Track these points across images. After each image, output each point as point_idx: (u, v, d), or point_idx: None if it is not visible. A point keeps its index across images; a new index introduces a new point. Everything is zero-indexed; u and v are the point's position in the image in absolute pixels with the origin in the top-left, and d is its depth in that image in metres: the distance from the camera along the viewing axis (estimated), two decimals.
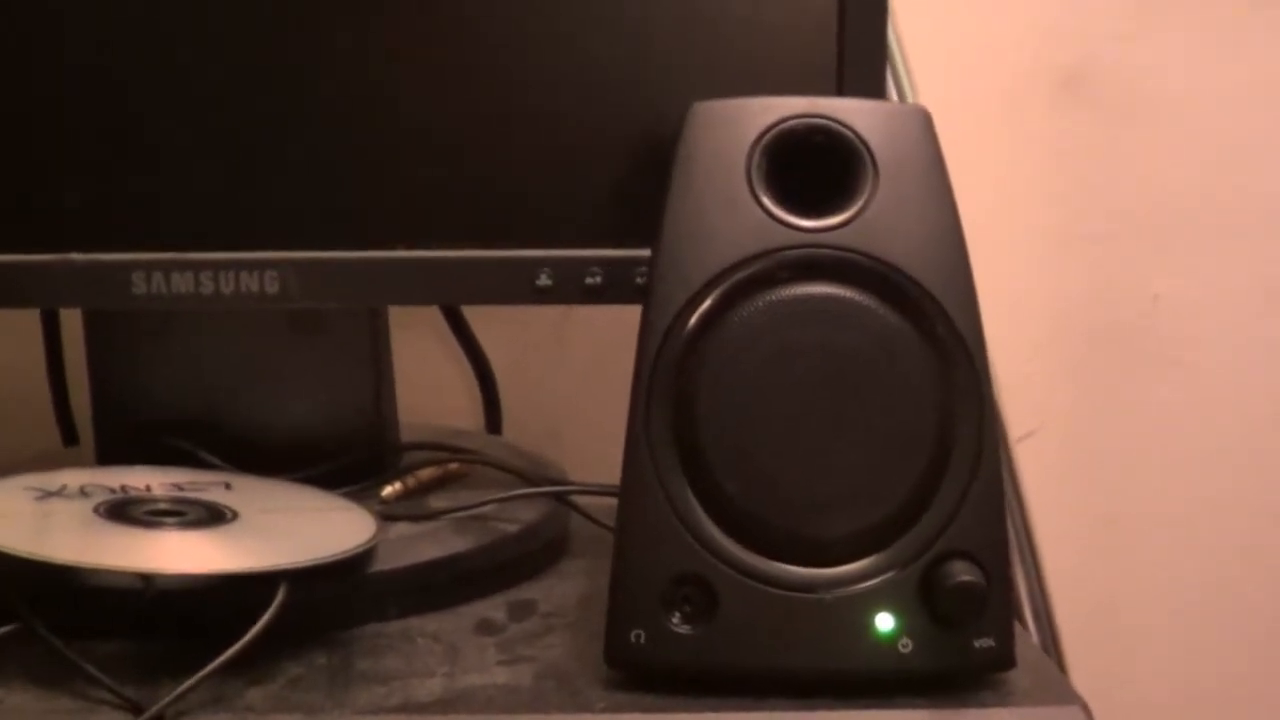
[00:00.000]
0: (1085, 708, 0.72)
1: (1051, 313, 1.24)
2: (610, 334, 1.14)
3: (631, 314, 0.85)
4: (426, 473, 0.93)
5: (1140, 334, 1.25)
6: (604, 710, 0.71)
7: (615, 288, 0.85)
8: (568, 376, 1.18)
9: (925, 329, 0.72)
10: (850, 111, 0.74)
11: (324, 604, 0.79)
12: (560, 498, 0.92)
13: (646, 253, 0.81)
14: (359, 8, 0.85)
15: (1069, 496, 1.25)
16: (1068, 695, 0.73)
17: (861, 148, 0.73)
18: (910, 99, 1.09)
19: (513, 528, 0.88)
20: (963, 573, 0.71)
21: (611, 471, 0.91)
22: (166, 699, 0.70)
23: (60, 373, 1.06)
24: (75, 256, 0.86)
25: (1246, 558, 1.29)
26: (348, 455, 0.92)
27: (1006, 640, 0.72)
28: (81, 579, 0.74)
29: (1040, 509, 1.17)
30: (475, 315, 1.08)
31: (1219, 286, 1.24)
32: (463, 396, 1.13)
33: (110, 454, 0.94)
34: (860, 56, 0.85)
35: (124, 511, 0.80)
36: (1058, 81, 1.21)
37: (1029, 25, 1.20)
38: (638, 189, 0.85)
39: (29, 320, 1.05)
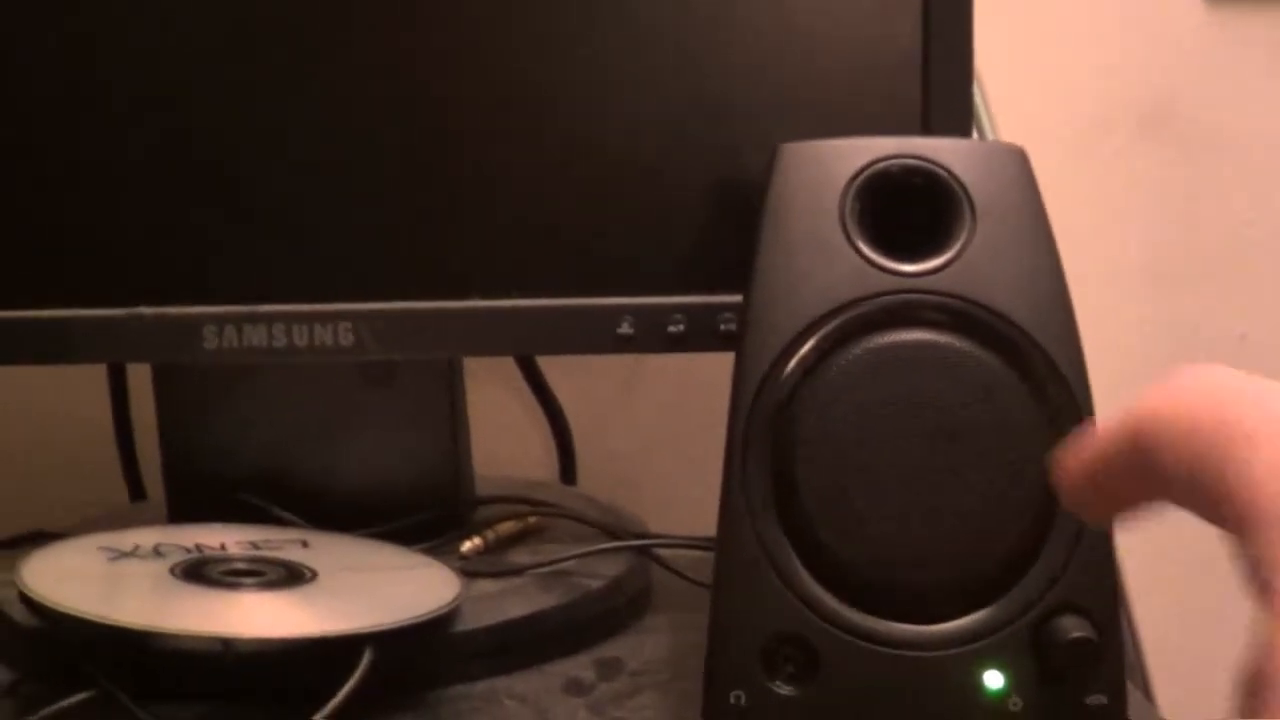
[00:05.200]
0: None
1: (1136, 353, 1.21)
2: (682, 382, 1.12)
3: (702, 362, 0.84)
4: (505, 527, 0.90)
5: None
6: None
7: (698, 335, 0.83)
8: (640, 426, 1.16)
9: (1028, 374, 0.70)
10: (945, 151, 0.72)
11: (409, 665, 0.76)
12: (644, 551, 0.89)
13: (730, 299, 0.79)
14: (434, 58, 0.83)
15: (1156, 541, 1.22)
16: None
17: (958, 188, 0.71)
18: (991, 136, 1.07)
19: (596, 583, 0.85)
20: (1075, 628, 0.68)
21: (687, 523, 0.89)
22: None
23: (127, 427, 1.04)
24: (145, 311, 0.84)
25: None
26: (425, 510, 0.90)
27: (1119, 697, 0.70)
28: (159, 643, 0.74)
29: (1128, 555, 1.14)
30: (545, 363, 1.07)
31: None
32: (534, 446, 1.11)
33: (181, 510, 0.92)
34: (946, 94, 0.82)
35: (200, 572, 0.78)
36: (1139, 118, 1.19)
37: (1110, 61, 1.19)
38: (721, 234, 0.83)
39: (94, 374, 1.04)
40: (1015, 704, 0.69)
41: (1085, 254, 1.17)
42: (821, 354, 0.69)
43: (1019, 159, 0.72)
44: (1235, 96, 1.21)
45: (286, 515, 0.88)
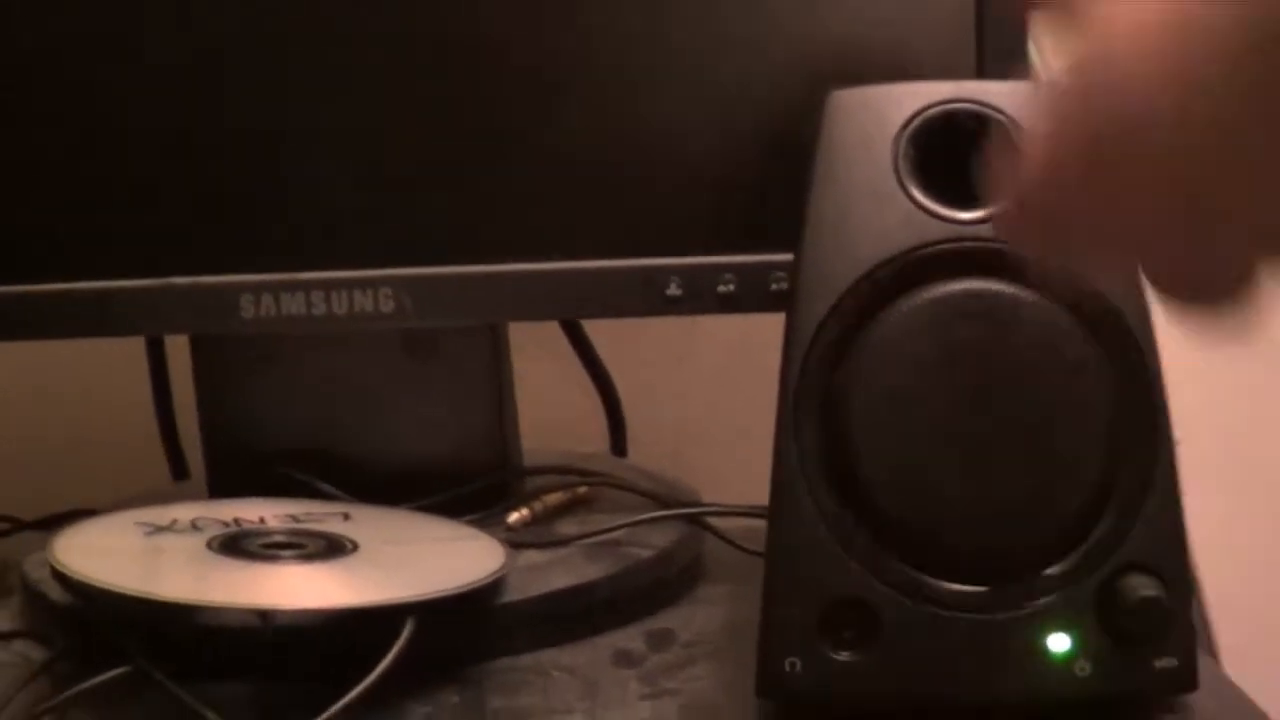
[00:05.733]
0: None
1: None
2: (735, 348, 1.09)
3: (756, 326, 0.81)
4: (554, 498, 0.88)
5: None
6: None
7: (750, 295, 0.81)
8: (691, 394, 1.14)
9: (1093, 325, 0.67)
10: (1000, 95, 0.69)
11: (453, 638, 0.74)
12: (696, 520, 0.87)
13: (781, 257, 0.76)
14: (473, 16, 0.82)
15: (1222, 505, 1.20)
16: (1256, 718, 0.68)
17: (1016, 133, 0.68)
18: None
19: (647, 553, 0.83)
20: (1143, 587, 0.66)
21: (740, 492, 0.87)
22: None
23: (168, 405, 1.02)
24: (177, 280, 0.83)
25: None
26: (470, 482, 0.88)
27: (1189, 660, 0.67)
28: (196, 617, 0.73)
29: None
30: (595, 333, 1.04)
31: None
32: (584, 417, 1.09)
33: (222, 486, 0.91)
34: (1001, 34, 0.80)
35: (238, 545, 0.77)
36: None
37: None
38: (771, 190, 0.80)
39: (135, 354, 1.02)
40: (1082, 668, 0.66)
41: None
42: (875, 307, 0.67)
43: None
44: None
45: (329, 489, 0.86)
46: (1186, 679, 0.67)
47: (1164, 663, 0.66)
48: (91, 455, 1.12)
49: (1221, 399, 1.19)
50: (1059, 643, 0.66)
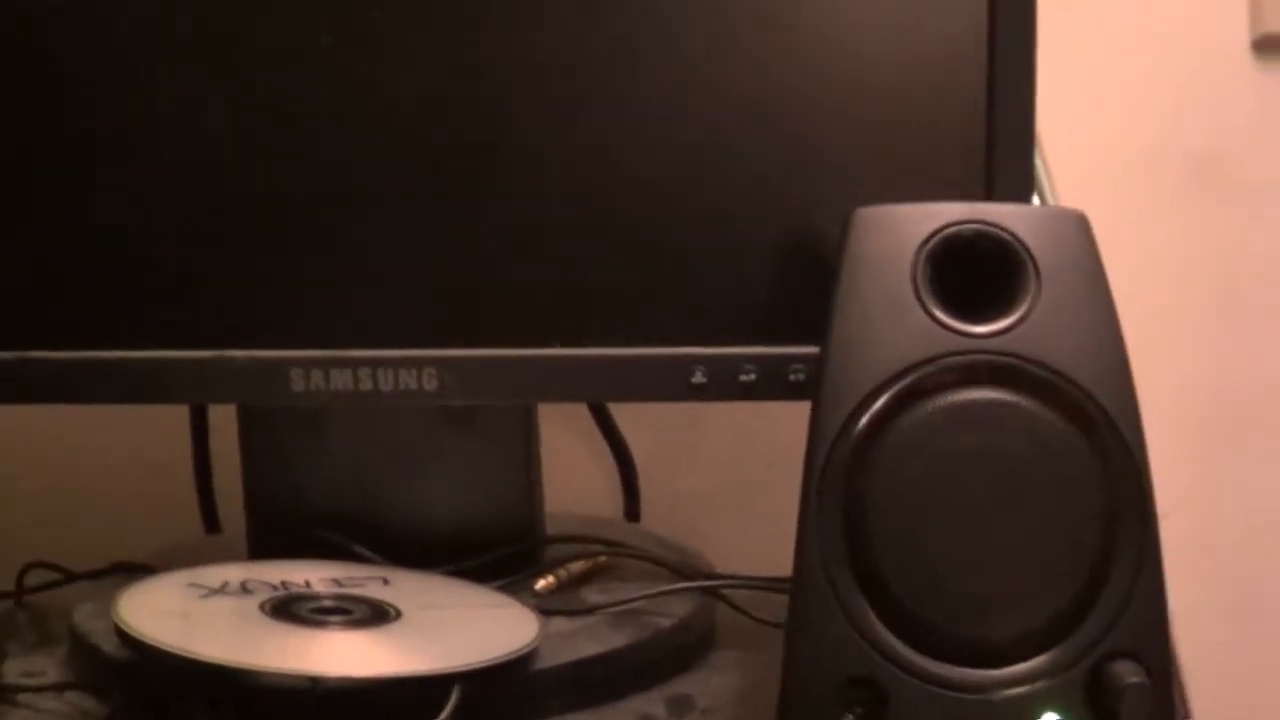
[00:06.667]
0: None
1: (1183, 398, 1.24)
2: (745, 425, 1.15)
3: (764, 405, 0.86)
4: (577, 565, 0.94)
5: (1269, 420, 1.25)
6: None
7: (769, 385, 0.86)
8: (704, 465, 1.19)
9: (1090, 433, 0.73)
10: (1011, 216, 0.75)
11: (491, 703, 0.79)
12: (711, 591, 0.92)
13: (799, 350, 0.82)
14: (522, 115, 0.87)
15: (1199, 583, 1.25)
16: None
17: (1023, 253, 0.74)
18: (1047, 186, 1.10)
19: (666, 621, 0.88)
20: (1129, 674, 0.72)
21: (749, 561, 0.92)
22: None
23: (206, 462, 1.07)
24: (235, 354, 0.87)
25: None
26: (498, 548, 0.93)
27: None
28: (249, 680, 0.77)
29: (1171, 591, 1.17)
30: (615, 405, 1.10)
31: None
32: (598, 482, 1.14)
33: (261, 545, 0.96)
34: (1009, 158, 0.85)
35: (289, 610, 0.82)
36: (1189, 170, 1.22)
37: (1160, 114, 1.21)
38: (790, 287, 0.86)
39: (171, 408, 1.07)
40: None
41: (1133, 300, 1.20)
42: (894, 410, 0.73)
43: (1081, 224, 0.75)
44: None
45: (365, 552, 0.91)
46: None
47: None
48: (125, 505, 1.16)
49: (1204, 479, 1.24)
50: None
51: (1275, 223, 1.23)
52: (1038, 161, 1.05)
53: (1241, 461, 1.26)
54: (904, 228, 0.75)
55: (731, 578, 0.93)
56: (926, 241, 0.74)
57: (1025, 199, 0.86)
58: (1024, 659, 0.73)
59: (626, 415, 1.11)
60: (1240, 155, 1.23)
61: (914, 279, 0.74)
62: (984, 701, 0.72)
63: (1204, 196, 1.23)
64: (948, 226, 0.75)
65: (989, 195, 0.86)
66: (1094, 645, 0.73)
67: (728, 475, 1.18)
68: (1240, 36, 1.23)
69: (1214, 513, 1.25)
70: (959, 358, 0.73)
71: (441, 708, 0.75)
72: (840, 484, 0.73)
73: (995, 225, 0.75)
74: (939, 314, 0.73)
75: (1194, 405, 1.24)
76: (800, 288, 0.83)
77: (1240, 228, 1.23)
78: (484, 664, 0.77)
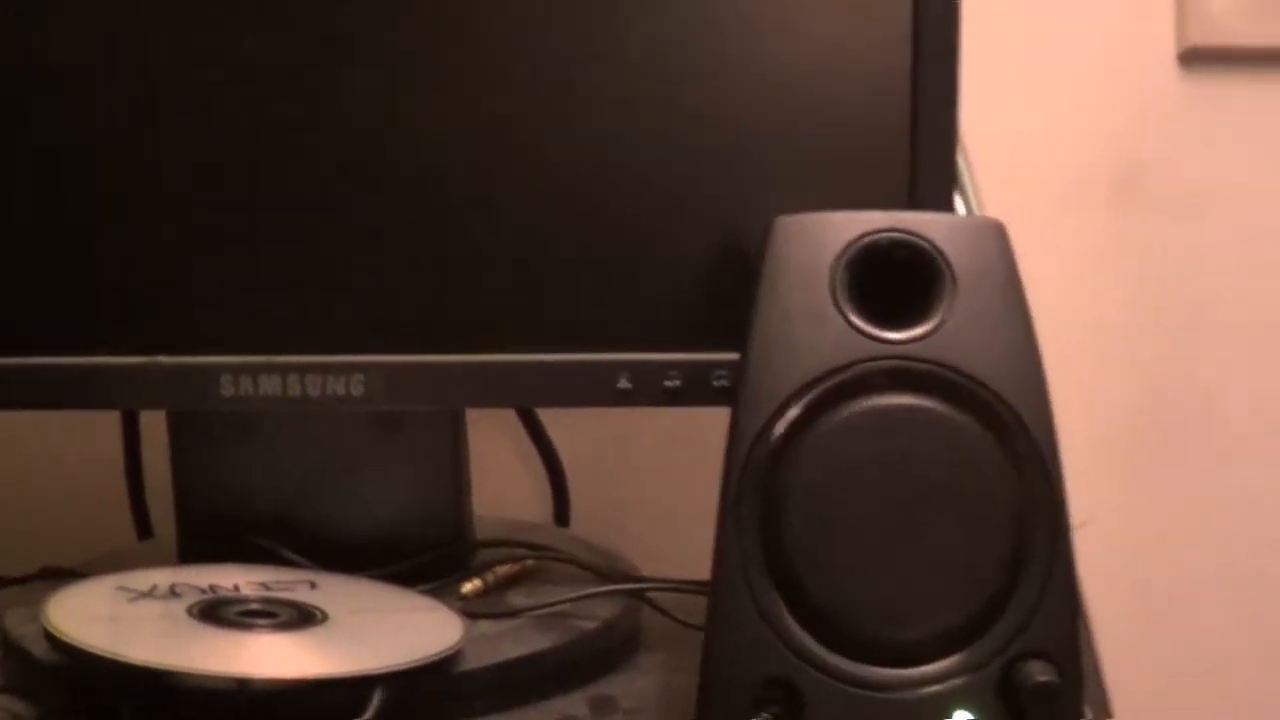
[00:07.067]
0: None
1: (1108, 406, 1.26)
2: (672, 431, 1.16)
3: (691, 411, 0.88)
4: (504, 569, 0.95)
5: (1192, 428, 1.27)
6: None
7: (693, 390, 0.88)
8: (632, 471, 1.20)
9: (1003, 438, 0.74)
10: (929, 225, 0.77)
11: (415, 704, 0.80)
12: (637, 594, 0.93)
13: (724, 356, 0.83)
14: (437, 121, 0.88)
15: (1120, 587, 1.27)
16: None
17: (940, 261, 0.76)
18: (972, 196, 1.11)
19: (591, 624, 0.89)
20: (1040, 673, 0.73)
21: (674, 564, 0.93)
22: None
23: (138, 468, 1.08)
24: (163, 359, 0.88)
25: None
26: (427, 552, 0.94)
27: None
28: (178, 682, 0.77)
29: (1095, 597, 1.18)
30: (544, 411, 1.11)
31: (1269, 382, 1.26)
32: (528, 488, 1.15)
33: (191, 550, 0.96)
34: (932, 167, 0.87)
35: (216, 613, 0.82)
36: (1114, 180, 1.24)
37: (1086, 125, 1.23)
38: (714, 293, 0.87)
39: (103, 414, 1.08)
40: None
41: (1059, 310, 1.22)
42: (811, 415, 0.74)
43: (998, 233, 0.77)
44: (1207, 158, 1.26)
45: (294, 557, 0.92)
46: None
47: None
48: (56, 510, 1.17)
49: (1128, 484, 1.26)
50: None
51: (1200, 231, 1.26)
52: (964, 172, 1.07)
53: (1164, 469, 1.28)
54: (824, 235, 0.76)
55: (655, 581, 0.94)
56: (846, 249, 0.76)
57: (948, 209, 0.87)
58: (938, 659, 0.74)
59: (556, 421, 1.12)
60: (1166, 165, 1.25)
61: (833, 286, 0.75)
62: (898, 700, 0.73)
63: (1131, 206, 1.25)
64: (866, 235, 0.76)
65: (913, 205, 0.87)
66: (1006, 645, 0.74)
67: (656, 480, 1.19)
68: (1167, 50, 1.25)
69: (1137, 519, 1.27)
70: (875, 363, 0.74)
71: (366, 708, 0.75)
72: (758, 488, 0.74)
73: (913, 234, 0.76)
74: (856, 320, 0.75)
75: (1119, 412, 1.26)
76: (726, 295, 0.84)
77: (1166, 236, 1.25)
78: (408, 665, 0.78)
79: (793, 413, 0.74)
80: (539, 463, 1.12)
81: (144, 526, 1.10)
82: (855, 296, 0.75)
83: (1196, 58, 1.25)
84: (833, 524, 0.73)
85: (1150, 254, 1.25)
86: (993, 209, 1.11)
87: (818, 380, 0.74)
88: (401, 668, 0.78)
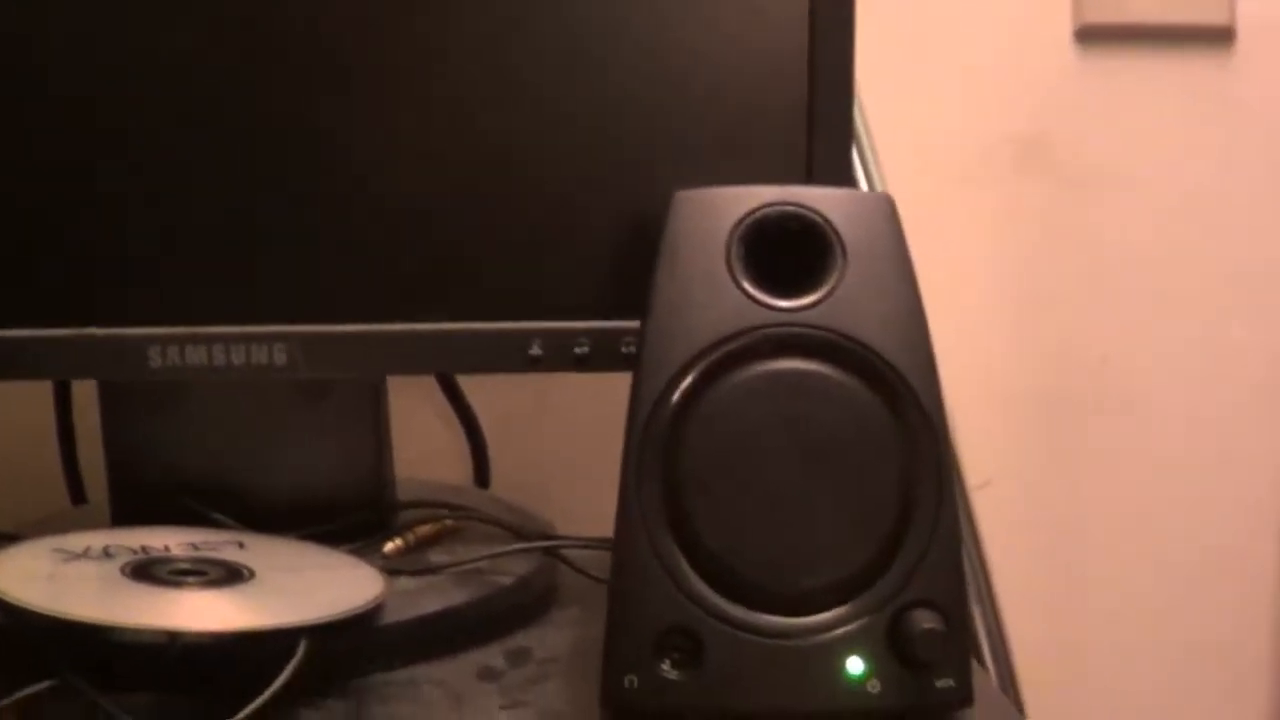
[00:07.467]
0: None
1: (1008, 372, 1.30)
2: (590, 396, 1.20)
3: (608, 378, 0.92)
4: (424, 529, 0.99)
5: (1089, 392, 1.32)
6: None
7: (602, 357, 0.92)
8: (550, 435, 1.24)
9: (891, 400, 0.79)
10: (820, 199, 0.81)
11: (338, 656, 0.84)
12: (551, 551, 0.98)
13: (631, 324, 0.87)
14: (356, 94, 0.91)
15: (1026, 542, 1.32)
16: None
17: (830, 233, 0.80)
18: (874, 172, 1.16)
19: (507, 580, 0.94)
20: (926, 620, 0.78)
21: (593, 523, 0.97)
22: None
23: (71, 435, 1.11)
24: (95, 331, 0.91)
25: (1196, 598, 1.36)
26: (351, 514, 0.98)
27: (965, 680, 0.79)
28: (112, 636, 0.81)
29: (999, 554, 1.24)
30: (465, 377, 1.15)
31: (1163, 348, 1.31)
32: (448, 451, 1.19)
33: (124, 514, 1.00)
34: (828, 143, 0.91)
35: (149, 572, 0.86)
36: (1013, 154, 1.28)
37: (985, 100, 1.27)
38: (621, 265, 0.92)
39: (36, 386, 1.10)
40: (874, 687, 0.78)
41: (962, 279, 1.27)
42: (707, 380, 0.78)
43: (887, 206, 0.81)
44: (1104, 132, 1.30)
45: (223, 519, 0.96)
46: (964, 696, 0.79)
47: (944, 683, 0.78)
48: None
49: (1028, 447, 1.31)
50: (854, 665, 0.78)
51: (1095, 206, 1.30)
52: (867, 149, 1.12)
53: (1064, 431, 1.32)
54: (720, 209, 0.80)
55: (568, 538, 0.99)
56: (740, 222, 0.80)
57: (845, 184, 0.91)
58: (830, 608, 0.78)
59: (475, 386, 1.16)
60: (1063, 141, 1.30)
61: (728, 257, 0.79)
62: (793, 647, 0.78)
63: (1028, 181, 1.29)
64: (760, 208, 0.80)
65: (810, 181, 0.91)
66: (895, 595, 0.78)
67: (572, 442, 1.23)
68: (1063, 27, 1.29)
69: (1036, 481, 1.32)
70: (768, 330, 0.79)
71: (291, 660, 0.79)
72: (658, 449, 0.78)
73: (805, 207, 0.80)
74: (751, 289, 0.79)
75: (1021, 378, 1.31)
76: (632, 266, 0.88)
77: (1062, 210, 1.30)
78: (331, 619, 0.82)
79: (690, 377, 0.78)
80: (460, 427, 1.16)
81: (78, 492, 1.13)
82: (750, 267, 0.80)
83: (1093, 34, 1.29)
84: (728, 482, 0.78)
85: (1050, 226, 1.30)
86: (895, 185, 1.15)
87: (714, 346, 0.78)
88: (325, 621, 0.82)
